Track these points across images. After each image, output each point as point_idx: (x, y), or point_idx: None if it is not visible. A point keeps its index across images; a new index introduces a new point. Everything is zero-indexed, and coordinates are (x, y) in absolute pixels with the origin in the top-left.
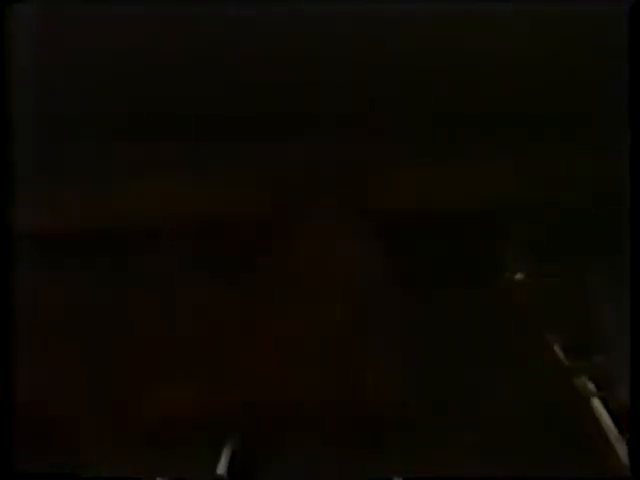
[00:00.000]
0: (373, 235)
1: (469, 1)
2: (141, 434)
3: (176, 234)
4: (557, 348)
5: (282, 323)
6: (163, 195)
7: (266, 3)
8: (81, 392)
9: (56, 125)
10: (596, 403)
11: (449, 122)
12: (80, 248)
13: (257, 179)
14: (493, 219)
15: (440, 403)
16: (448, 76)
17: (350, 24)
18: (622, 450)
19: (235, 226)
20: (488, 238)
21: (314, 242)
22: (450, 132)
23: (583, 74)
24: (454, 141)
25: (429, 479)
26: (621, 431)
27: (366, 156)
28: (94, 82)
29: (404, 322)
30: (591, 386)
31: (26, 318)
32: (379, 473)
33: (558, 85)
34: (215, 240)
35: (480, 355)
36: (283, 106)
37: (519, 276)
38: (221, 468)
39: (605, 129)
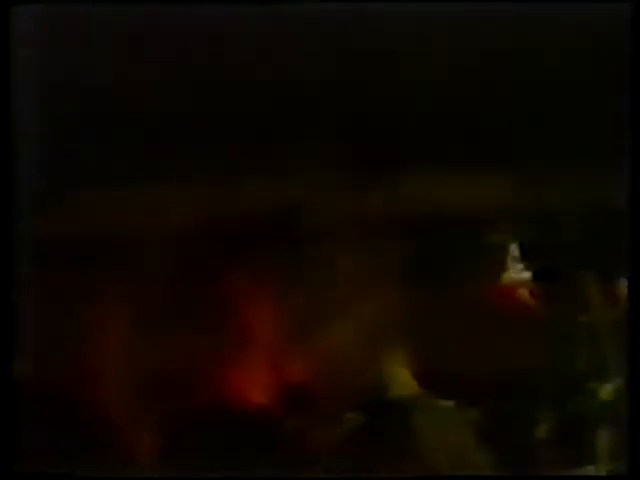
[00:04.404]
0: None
1: (469, 1)
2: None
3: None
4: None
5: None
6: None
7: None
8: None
9: (56, 125)
10: None
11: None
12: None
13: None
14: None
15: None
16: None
17: (348, 23)
18: None
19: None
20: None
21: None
22: (450, 136)
23: (583, 74)
24: (453, 145)
25: (428, 478)
26: None
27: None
28: (94, 83)
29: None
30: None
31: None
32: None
33: (558, 86)
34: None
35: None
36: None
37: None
38: None
39: (605, 129)
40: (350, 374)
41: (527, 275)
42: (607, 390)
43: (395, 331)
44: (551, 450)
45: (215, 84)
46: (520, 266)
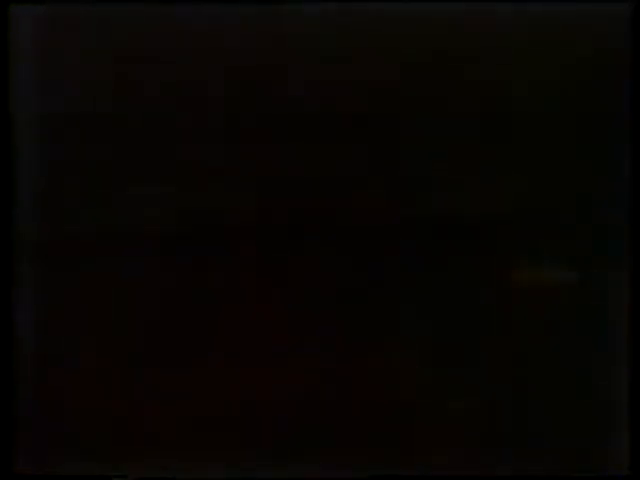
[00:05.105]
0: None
1: (469, 1)
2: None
3: None
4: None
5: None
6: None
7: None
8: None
9: (56, 125)
10: None
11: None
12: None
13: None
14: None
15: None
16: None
17: (348, 23)
18: None
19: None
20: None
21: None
22: (451, 132)
23: (583, 74)
24: (456, 142)
25: (430, 478)
26: None
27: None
28: (94, 82)
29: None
30: None
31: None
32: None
33: (558, 85)
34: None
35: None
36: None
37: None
38: None
39: (606, 129)
40: (356, 373)
41: (539, 273)
42: (613, 389)
43: (404, 329)
44: (554, 449)
45: (215, 84)
46: (532, 264)
